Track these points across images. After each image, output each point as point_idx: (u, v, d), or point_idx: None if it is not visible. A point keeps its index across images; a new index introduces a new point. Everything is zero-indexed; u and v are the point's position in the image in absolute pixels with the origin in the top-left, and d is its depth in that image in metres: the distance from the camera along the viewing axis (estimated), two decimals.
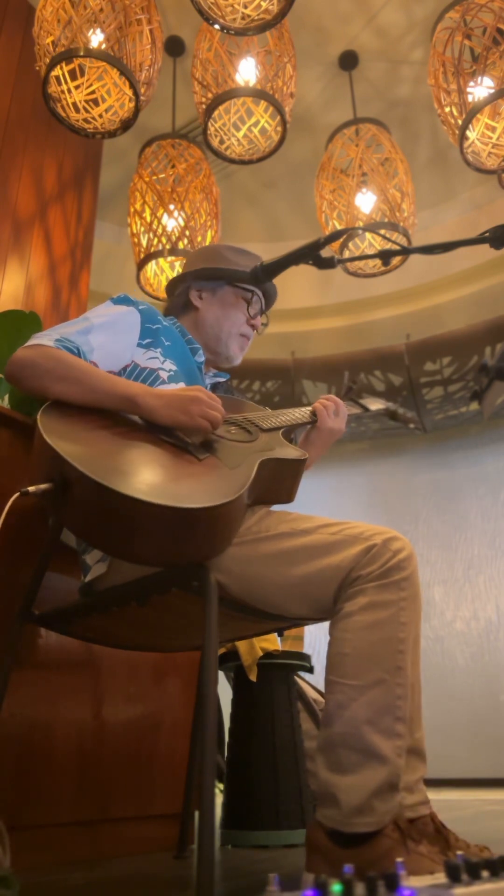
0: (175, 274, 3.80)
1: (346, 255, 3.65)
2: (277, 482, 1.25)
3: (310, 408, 1.50)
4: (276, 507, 1.41)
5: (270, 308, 1.60)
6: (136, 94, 2.69)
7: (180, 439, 1.16)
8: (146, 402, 1.16)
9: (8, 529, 1.06)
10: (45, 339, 1.21)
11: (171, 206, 3.58)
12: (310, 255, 1.15)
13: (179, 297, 1.55)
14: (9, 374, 1.20)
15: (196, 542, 1.04)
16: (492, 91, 2.82)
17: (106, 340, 1.29)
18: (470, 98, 2.93)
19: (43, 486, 1.01)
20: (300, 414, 1.47)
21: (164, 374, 1.33)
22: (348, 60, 4.07)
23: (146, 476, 1.04)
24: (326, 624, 1.11)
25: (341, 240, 3.61)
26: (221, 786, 2.04)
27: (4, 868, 0.85)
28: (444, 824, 1.04)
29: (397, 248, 1.19)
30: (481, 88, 2.89)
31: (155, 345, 1.36)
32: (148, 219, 3.60)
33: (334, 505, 5.89)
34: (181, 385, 1.33)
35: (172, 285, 1.57)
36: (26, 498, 1.03)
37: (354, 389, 1.76)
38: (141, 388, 1.18)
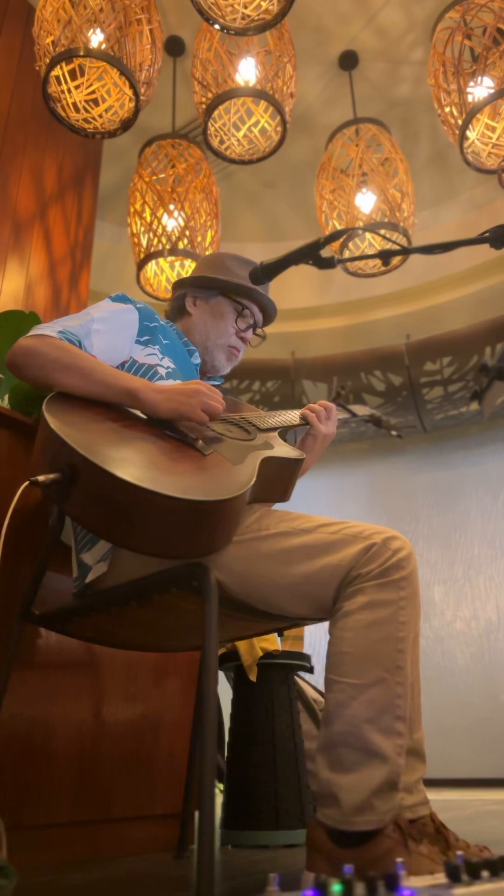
0: (175, 274, 3.82)
1: (346, 255, 3.65)
2: (276, 481, 1.26)
3: (299, 411, 1.51)
4: (274, 507, 1.42)
5: (269, 325, 1.60)
6: (136, 94, 2.69)
7: (184, 435, 1.17)
8: (147, 396, 1.17)
9: (9, 528, 1.06)
10: (48, 329, 1.22)
11: (171, 206, 3.58)
12: (310, 255, 1.15)
13: (177, 300, 1.56)
14: (11, 361, 1.19)
15: (201, 534, 1.04)
16: (492, 91, 2.82)
17: (106, 335, 1.30)
18: (470, 98, 2.93)
19: (52, 476, 1.01)
20: (292, 416, 1.48)
21: (162, 371, 1.34)
22: (348, 60, 4.07)
23: (152, 467, 1.04)
24: (326, 624, 1.11)
25: (341, 240, 3.60)
26: (221, 786, 2.04)
27: (1, 858, 0.84)
28: (444, 824, 1.04)
29: (397, 248, 1.19)
30: (481, 88, 2.90)
31: (153, 342, 1.38)
32: (148, 219, 3.60)
33: (335, 505, 5.89)
34: (179, 382, 1.33)
35: (175, 288, 1.59)
36: (27, 497, 1.03)
37: (343, 395, 1.78)
38: (142, 383, 1.19)
